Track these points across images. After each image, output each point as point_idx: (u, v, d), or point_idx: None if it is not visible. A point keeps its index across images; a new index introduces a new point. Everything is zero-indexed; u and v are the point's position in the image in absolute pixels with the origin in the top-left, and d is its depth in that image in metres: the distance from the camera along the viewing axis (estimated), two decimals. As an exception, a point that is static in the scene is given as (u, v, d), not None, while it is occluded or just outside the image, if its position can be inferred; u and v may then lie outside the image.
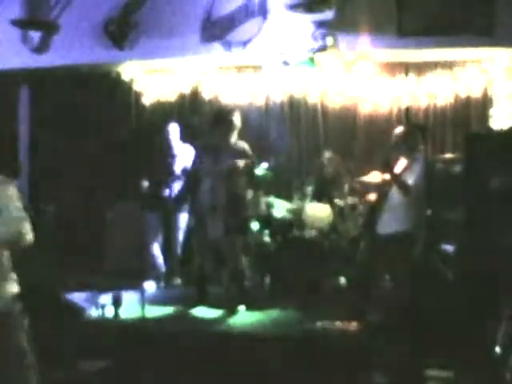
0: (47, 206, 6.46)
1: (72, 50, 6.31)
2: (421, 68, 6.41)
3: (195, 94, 6.95)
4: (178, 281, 6.07)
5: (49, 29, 6.32)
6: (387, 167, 4.61)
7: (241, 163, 5.05)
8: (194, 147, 5.71)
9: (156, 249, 5.99)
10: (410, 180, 4.50)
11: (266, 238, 5.94)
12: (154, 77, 6.96)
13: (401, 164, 4.69)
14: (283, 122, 6.81)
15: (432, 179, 4.86)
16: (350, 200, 5.98)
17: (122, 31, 6.17)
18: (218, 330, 4.66)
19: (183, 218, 5.98)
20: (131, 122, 7.10)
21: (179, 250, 6.04)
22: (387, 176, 4.66)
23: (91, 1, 6.33)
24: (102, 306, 4.80)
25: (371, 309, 4.63)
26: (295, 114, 6.84)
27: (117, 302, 4.79)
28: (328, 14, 5.68)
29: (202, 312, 5.07)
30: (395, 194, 4.57)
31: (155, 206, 5.92)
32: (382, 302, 4.71)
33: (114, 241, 6.52)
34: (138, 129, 7.07)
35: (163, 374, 4.09)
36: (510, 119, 5.91)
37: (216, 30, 6.05)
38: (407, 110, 6.47)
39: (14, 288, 2.84)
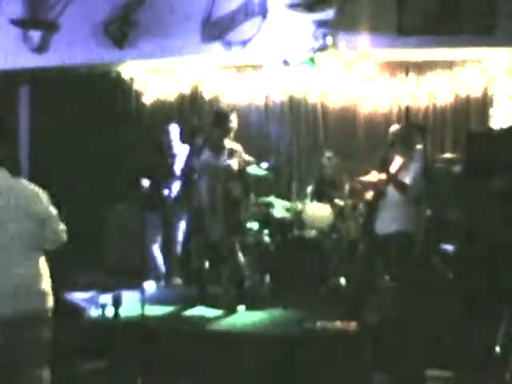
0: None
1: (72, 49, 6.30)
2: (421, 68, 6.41)
3: (195, 94, 6.96)
4: (178, 281, 6.07)
5: (49, 28, 6.32)
6: (383, 166, 4.60)
7: (235, 163, 5.07)
8: (192, 146, 5.71)
9: (156, 249, 5.99)
10: (407, 179, 4.47)
11: (266, 238, 5.94)
12: (154, 77, 6.97)
13: (397, 163, 4.66)
14: (283, 122, 6.82)
15: (432, 179, 4.85)
16: (350, 200, 5.98)
17: (121, 31, 6.16)
18: (218, 330, 4.66)
19: (183, 218, 5.98)
20: (131, 122, 7.10)
21: (179, 250, 6.04)
22: (383, 175, 4.63)
23: (91, 1, 6.32)
24: (102, 306, 4.80)
25: (371, 309, 4.63)
26: (295, 113, 6.85)
27: (117, 302, 4.79)
28: (328, 14, 5.67)
29: (201, 312, 5.07)
30: (392, 193, 4.54)
31: (155, 206, 5.92)
32: (382, 301, 4.71)
33: (114, 241, 6.51)
34: (138, 129, 7.07)
35: (163, 373, 4.09)
36: (510, 119, 5.91)
37: (216, 29, 6.04)
38: (407, 109, 6.47)
39: (48, 286, 2.99)
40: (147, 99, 7.06)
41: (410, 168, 4.53)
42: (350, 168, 6.10)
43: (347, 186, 6.08)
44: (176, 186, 5.87)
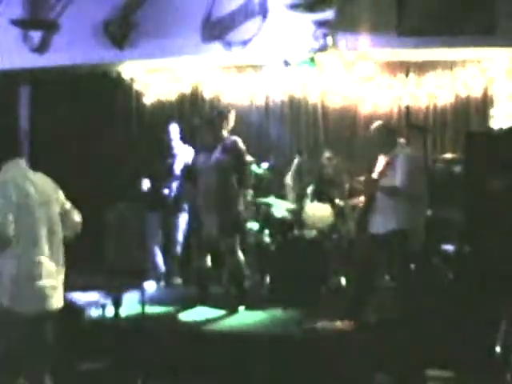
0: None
1: (72, 49, 6.30)
2: (421, 68, 6.41)
3: (195, 94, 6.96)
4: (178, 281, 6.07)
5: (49, 28, 6.32)
6: (368, 172, 4.53)
7: (228, 159, 5.02)
8: (193, 146, 5.72)
9: (156, 249, 5.99)
10: (395, 178, 4.34)
11: (266, 238, 5.94)
12: (154, 77, 6.97)
13: (380, 163, 4.55)
14: (283, 122, 6.82)
15: (431, 179, 4.84)
16: (350, 200, 5.97)
17: (121, 31, 6.16)
18: (218, 330, 4.65)
19: (183, 218, 5.98)
20: (131, 122, 7.10)
21: (179, 250, 6.04)
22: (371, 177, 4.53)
23: (91, 1, 6.32)
24: (102, 306, 4.80)
25: (370, 308, 4.63)
26: (295, 113, 6.85)
27: (117, 302, 4.79)
28: (328, 14, 5.68)
29: (201, 312, 5.07)
30: (381, 195, 4.43)
31: (155, 206, 5.92)
32: (381, 301, 4.71)
33: (114, 241, 6.51)
34: (138, 129, 7.07)
35: (163, 373, 4.09)
36: (510, 119, 5.91)
37: (216, 29, 6.04)
38: (407, 109, 6.46)
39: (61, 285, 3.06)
40: (147, 99, 7.07)
41: (395, 166, 4.38)
42: (349, 168, 6.11)
43: (347, 186, 6.08)
44: (176, 186, 5.87)
